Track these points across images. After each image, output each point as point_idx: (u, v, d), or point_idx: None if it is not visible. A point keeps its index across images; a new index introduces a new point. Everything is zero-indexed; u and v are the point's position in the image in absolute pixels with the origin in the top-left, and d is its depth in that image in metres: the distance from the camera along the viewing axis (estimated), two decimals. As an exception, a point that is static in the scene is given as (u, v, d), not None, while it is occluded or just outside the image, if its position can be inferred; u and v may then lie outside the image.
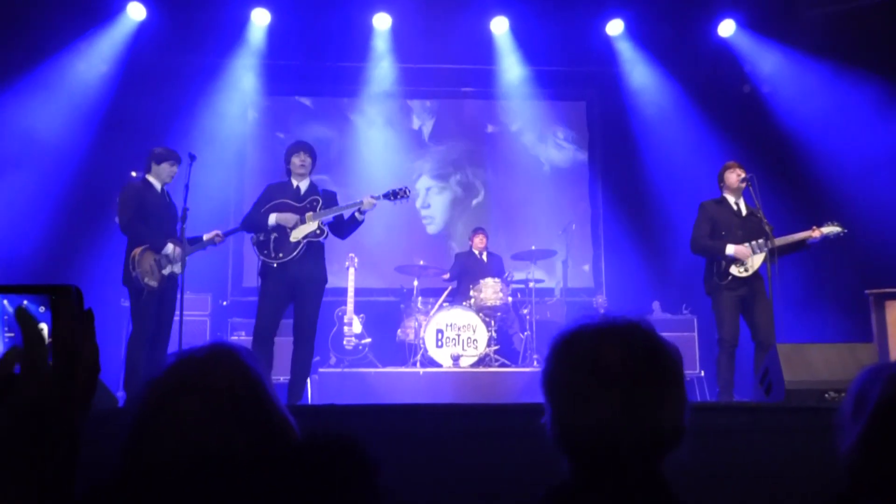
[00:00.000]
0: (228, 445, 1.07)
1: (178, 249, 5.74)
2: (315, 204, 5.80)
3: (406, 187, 6.02)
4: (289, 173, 5.93)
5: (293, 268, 5.66)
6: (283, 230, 5.69)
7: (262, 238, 5.73)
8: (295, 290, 5.71)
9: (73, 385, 0.83)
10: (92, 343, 0.86)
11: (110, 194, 6.33)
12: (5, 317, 0.93)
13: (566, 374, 1.40)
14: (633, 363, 1.35)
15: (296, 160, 5.86)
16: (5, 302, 0.94)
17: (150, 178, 5.93)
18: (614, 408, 1.32)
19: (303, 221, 5.71)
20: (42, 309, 0.92)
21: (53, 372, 0.83)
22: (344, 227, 5.90)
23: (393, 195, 5.93)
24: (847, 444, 1.56)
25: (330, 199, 5.90)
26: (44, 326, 0.92)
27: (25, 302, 0.93)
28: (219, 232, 6.16)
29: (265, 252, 5.70)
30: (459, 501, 3.24)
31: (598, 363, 1.36)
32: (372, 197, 5.79)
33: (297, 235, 5.68)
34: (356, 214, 5.79)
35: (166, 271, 5.76)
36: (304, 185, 5.88)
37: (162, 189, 5.97)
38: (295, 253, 5.65)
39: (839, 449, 1.58)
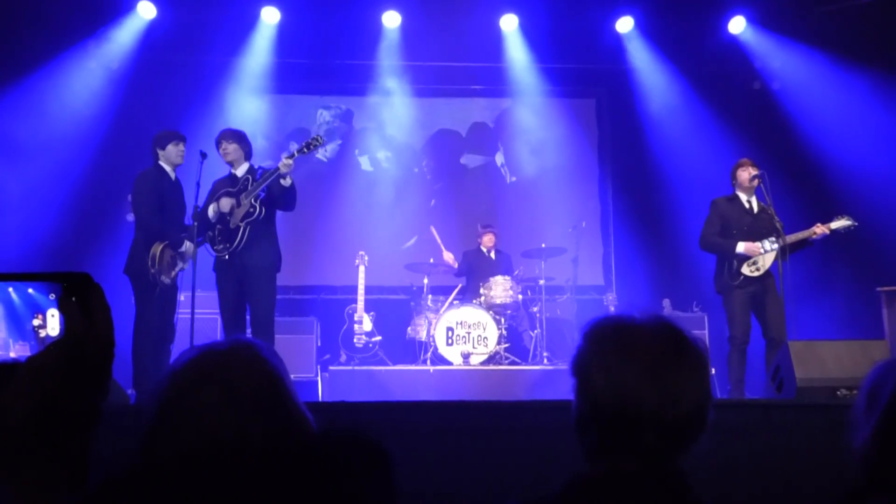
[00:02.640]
0: (246, 438, 1.08)
1: (193, 248, 5.74)
2: (247, 183, 5.75)
3: (318, 135, 5.86)
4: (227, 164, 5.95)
5: (241, 257, 5.64)
6: (224, 220, 5.67)
7: (210, 234, 5.74)
8: (244, 280, 5.68)
9: (88, 366, 0.84)
10: (106, 322, 0.87)
11: (120, 191, 6.34)
12: (17, 303, 0.95)
13: (596, 352, 1.46)
14: (660, 345, 1.41)
15: (220, 150, 5.88)
16: (10, 289, 0.95)
17: (162, 164, 5.90)
18: (640, 378, 1.38)
19: (238, 204, 5.66)
20: (52, 296, 0.93)
21: (67, 355, 0.84)
22: (279, 198, 5.75)
23: (307, 147, 5.77)
24: (860, 439, 1.56)
25: (264, 175, 5.78)
26: (55, 313, 0.94)
27: (31, 290, 0.94)
28: None
29: (217, 247, 5.71)
30: (470, 497, 3.24)
31: (626, 342, 1.42)
32: (286, 157, 5.64)
33: (236, 220, 5.65)
34: (281, 182, 5.62)
35: (177, 269, 5.77)
36: (241, 171, 5.87)
37: (175, 177, 5.95)
38: (238, 239, 5.62)
39: (852, 445, 1.58)
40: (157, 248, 5.63)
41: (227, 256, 5.65)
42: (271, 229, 5.85)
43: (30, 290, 0.94)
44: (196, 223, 5.71)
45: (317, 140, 5.79)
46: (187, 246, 5.77)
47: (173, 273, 5.75)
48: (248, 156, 5.96)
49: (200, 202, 5.78)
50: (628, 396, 1.37)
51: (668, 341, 1.42)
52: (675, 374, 1.39)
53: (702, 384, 1.43)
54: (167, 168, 5.90)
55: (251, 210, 5.64)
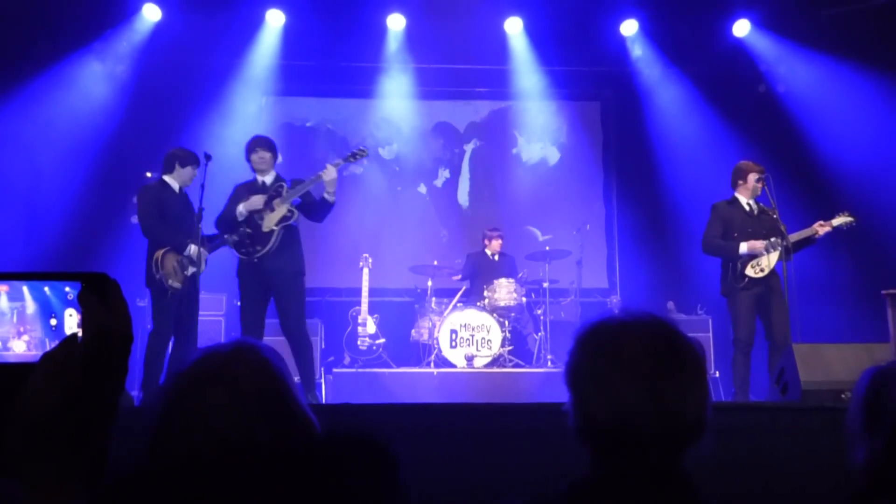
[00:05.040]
0: (252, 439, 1.08)
1: (198, 250, 5.76)
2: (280, 189, 5.78)
3: (363, 147, 5.96)
4: (253, 171, 5.94)
5: (269, 261, 5.66)
6: (255, 224, 5.69)
7: (236, 238, 5.74)
8: (272, 286, 5.70)
9: (108, 361, 0.84)
10: (125, 317, 0.87)
11: (127, 193, 6.40)
12: (54, 303, 0.95)
13: (589, 364, 1.41)
14: (655, 354, 1.35)
15: (254, 157, 5.87)
16: (46, 288, 0.95)
17: (168, 179, 5.97)
18: (637, 397, 1.32)
19: (272, 209, 5.69)
20: (70, 296, 0.94)
21: (88, 350, 0.84)
22: (315, 208, 5.82)
23: (352, 156, 5.88)
24: (862, 454, 1.51)
25: (297, 184, 5.84)
26: (73, 312, 0.94)
27: (67, 288, 0.94)
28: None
29: (243, 250, 5.72)
30: (473, 499, 3.24)
31: (621, 353, 1.36)
32: (330, 165, 5.68)
33: (269, 224, 5.67)
34: (325, 196, 5.69)
35: (189, 272, 5.78)
36: (269, 179, 5.90)
37: (181, 190, 6.01)
38: (271, 243, 5.64)
39: (853, 459, 1.54)
40: (159, 254, 5.70)
41: (255, 260, 5.66)
42: (298, 236, 5.88)
43: (66, 289, 0.94)
44: (200, 226, 5.74)
45: (362, 151, 5.90)
46: (192, 249, 5.77)
47: (185, 275, 5.76)
48: (273, 164, 6.02)
49: (205, 204, 5.80)
50: (626, 416, 1.33)
51: (665, 351, 1.36)
52: (673, 389, 1.34)
53: (701, 393, 1.38)
54: (173, 183, 5.96)
55: (288, 215, 5.68)
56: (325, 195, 5.68)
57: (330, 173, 5.60)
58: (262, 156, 5.87)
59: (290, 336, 5.69)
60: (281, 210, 5.68)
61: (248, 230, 5.70)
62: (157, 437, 1.11)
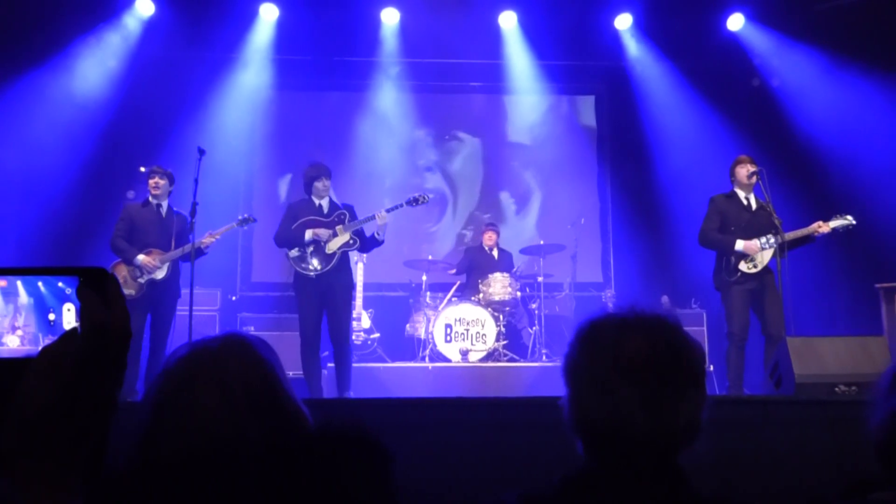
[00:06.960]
0: (243, 435, 1.07)
1: (148, 259, 6.09)
2: (343, 217, 6.23)
3: (424, 193, 6.54)
4: (309, 192, 6.27)
5: (328, 277, 6.08)
6: (318, 244, 6.10)
7: (298, 253, 6.12)
8: (328, 296, 6.11)
9: (107, 356, 0.84)
10: (123, 312, 0.87)
11: (122, 187, 6.46)
12: (47, 297, 0.94)
13: (587, 363, 1.39)
14: (655, 358, 1.34)
15: (319, 185, 6.25)
16: (39, 283, 0.94)
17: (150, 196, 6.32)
18: (632, 401, 1.31)
19: (335, 234, 6.12)
20: (68, 291, 0.93)
21: (87, 344, 0.83)
22: (365, 242, 6.32)
23: (414, 201, 6.46)
24: (880, 416, 1.50)
25: (351, 211, 6.31)
26: (71, 307, 0.93)
27: (61, 283, 0.94)
28: (210, 232, 6.31)
29: (303, 265, 6.10)
30: (468, 493, 3.25)
31: (620, 355, 1.35)
32: (386, 211, 6.22)
33: (332, 247, 6.12)
34: (376, 234, 6.24)
35: (143, 279, 6.11)
36: (325, 203, 6.31)
37: (156, 204, 6.30)
38: (333, 263, 6.09)
39: (869, 424, 1.53)
40: (113, 265, 6.18)
41: (314, 276, 6.06)
42: (349, 254, 6.32)
43: (59, 284, 0.94)
44: (194, 220, 5.95)
45: (423, 198, 6.52)
46: (139, 258, 6.09)
47: (139, 282, 6.10)
48: None
49: (199, 199, 5.97)
50: (620, 417, 1.32)
51: (664, 357, 1.35)
52: (668, 396, 1.33)
53: (696, 400, 1.37)
54: (151, 199, 6.30)
55: (351, 242, 6.20)
56: (376, 234, 6.25)
57: (383, 218, 6.17)
58: (326, 184, 6.28)
59: (338, 342, 6.11)
60: (344, 237, 6.18)
61: (311, 249, 6.09)
62: (148, 434, 1.10)
